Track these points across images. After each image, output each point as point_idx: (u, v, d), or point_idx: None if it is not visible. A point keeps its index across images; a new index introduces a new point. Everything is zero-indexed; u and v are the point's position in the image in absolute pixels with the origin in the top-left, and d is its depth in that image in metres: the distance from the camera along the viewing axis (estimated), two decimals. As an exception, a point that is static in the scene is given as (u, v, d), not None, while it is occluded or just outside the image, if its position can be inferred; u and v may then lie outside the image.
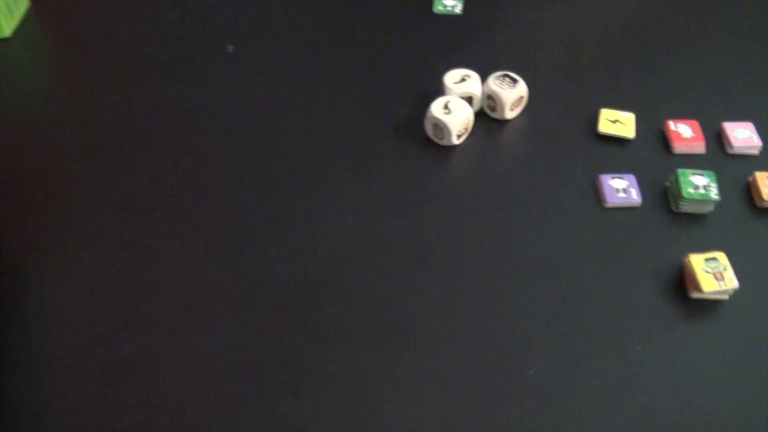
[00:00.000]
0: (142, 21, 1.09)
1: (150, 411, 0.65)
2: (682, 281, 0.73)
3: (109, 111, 0.94)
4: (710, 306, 0.72)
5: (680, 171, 0.80)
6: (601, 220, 0.79)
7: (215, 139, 0.89)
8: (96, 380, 0.67)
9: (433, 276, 0.75)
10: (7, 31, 1.06)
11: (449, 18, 1.07)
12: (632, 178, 0.82)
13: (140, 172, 0.86)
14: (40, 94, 0.99)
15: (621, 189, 0.81)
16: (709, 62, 0.98)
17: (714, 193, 0.78)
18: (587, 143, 0.87)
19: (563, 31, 1.05)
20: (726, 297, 0.72)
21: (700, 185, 0.79)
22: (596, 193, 0.82)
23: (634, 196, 0.80)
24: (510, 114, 0.90)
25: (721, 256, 0.72)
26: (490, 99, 0.90)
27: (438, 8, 1.08)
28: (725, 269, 0.72)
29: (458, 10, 1.08)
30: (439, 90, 0.91)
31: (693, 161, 0.84)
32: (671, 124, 0.88)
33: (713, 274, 0.71)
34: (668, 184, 0.82)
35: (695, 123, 0.88)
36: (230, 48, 1.02)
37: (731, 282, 0.71)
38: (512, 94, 0.88)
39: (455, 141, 0.87)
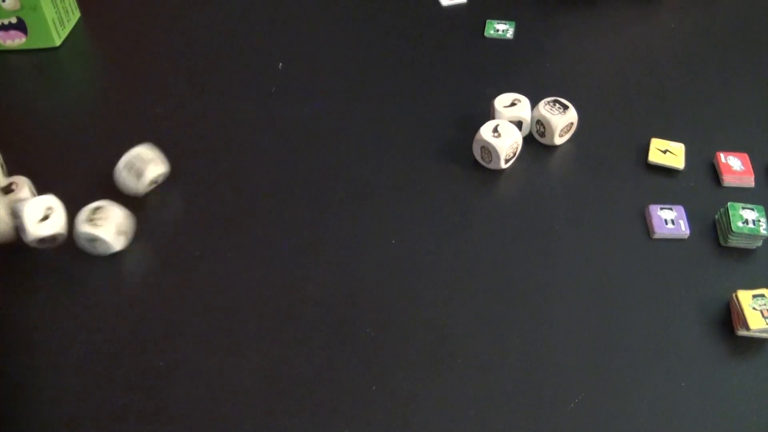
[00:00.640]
0: (189, 35, 1.11)
1: (184, 423, 0.66)
2: (728, 317, 0.72)
3: (155, 123, 0.96)
4: (757, 344, 0.71)
5: (731, 204, 0.79)
6: (648, 250, 0.79)
7: (263, 155, 0.91)
8: (134, 388, 0.68)
9: (474, 301, 0.75)
10: (58, 41, 1.09)
11: (500, 43, 1.07)
12: (681, 209, 0.81)
13: (186, 185, 0.87)
14: (88, 103, 1.01)
15: (670, 220, 0.80)
16: (760, 95, 0.97)
17: (764, 228, 0.77)
18: (636, 172, 0.87)
19: (614, 58, 1.04)
20: (773, 335, 0.71)
21: (749, 219, 0.78)
22: (644, 223, 0.81)
23: (683, 228, 0.80)
24: (559, 140, 0.90)
25: (770, 294, 0.71)
26: (540, 124, 0.89)
27: (489, 33, 1.09)
28: (774, 307, 0.71)
29: (509, 35, 1.08)
30: (487, 114, 0.91)
31: (742, 194, 0.83)
32: (721, 156, 0.87)
33: (761, 311, 0.70)
34: (718, 216, 0.81)
35: (745, 156, 0.87)
36: (280, 66, 1.04)
37: (779, 320, 0.70)
38: (562, 120, 0.88)
39: (503, 165, 0.87)
